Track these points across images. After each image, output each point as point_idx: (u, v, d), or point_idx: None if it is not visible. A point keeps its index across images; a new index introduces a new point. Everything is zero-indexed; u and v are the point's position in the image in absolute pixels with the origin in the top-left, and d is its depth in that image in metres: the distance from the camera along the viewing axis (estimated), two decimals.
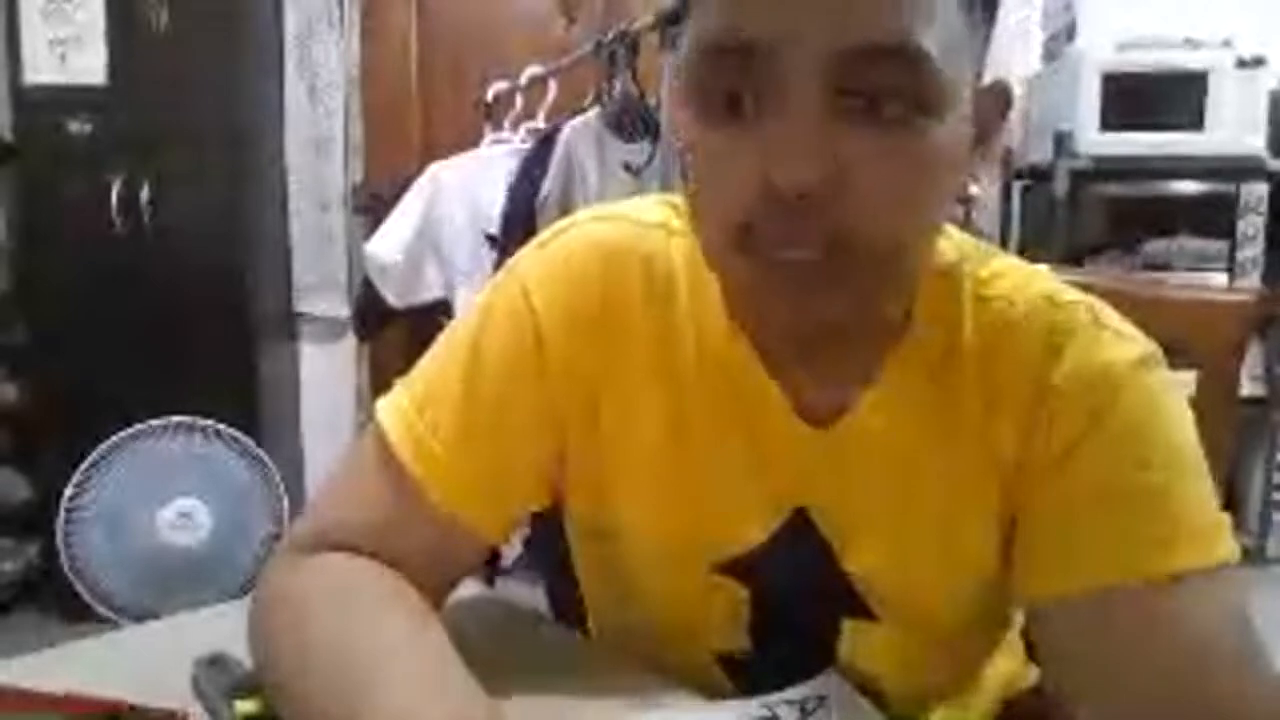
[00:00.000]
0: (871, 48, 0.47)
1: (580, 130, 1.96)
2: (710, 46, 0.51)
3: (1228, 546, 0.55)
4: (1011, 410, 0.59)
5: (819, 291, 0.51)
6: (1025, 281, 0.62)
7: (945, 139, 0.50)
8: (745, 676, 0.67)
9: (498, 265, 2.00)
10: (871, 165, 0.49)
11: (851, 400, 0.61)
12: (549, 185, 1.92)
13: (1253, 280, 2.60)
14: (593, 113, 1.99)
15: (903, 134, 0.49)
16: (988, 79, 0.56)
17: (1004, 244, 2.82)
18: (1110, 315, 0.60)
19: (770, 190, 0.49)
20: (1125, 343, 0.59)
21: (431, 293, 2.25)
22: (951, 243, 0.62)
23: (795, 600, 0.65)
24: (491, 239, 2.13)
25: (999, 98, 0.56)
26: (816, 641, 0.66)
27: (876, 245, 0.51)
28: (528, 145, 2.15)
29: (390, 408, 0.64)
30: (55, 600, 2.44)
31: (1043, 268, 0.66)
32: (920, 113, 0.49)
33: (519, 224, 1.94)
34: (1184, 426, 0.58)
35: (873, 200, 0.49)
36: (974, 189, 2.41)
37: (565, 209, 1.88)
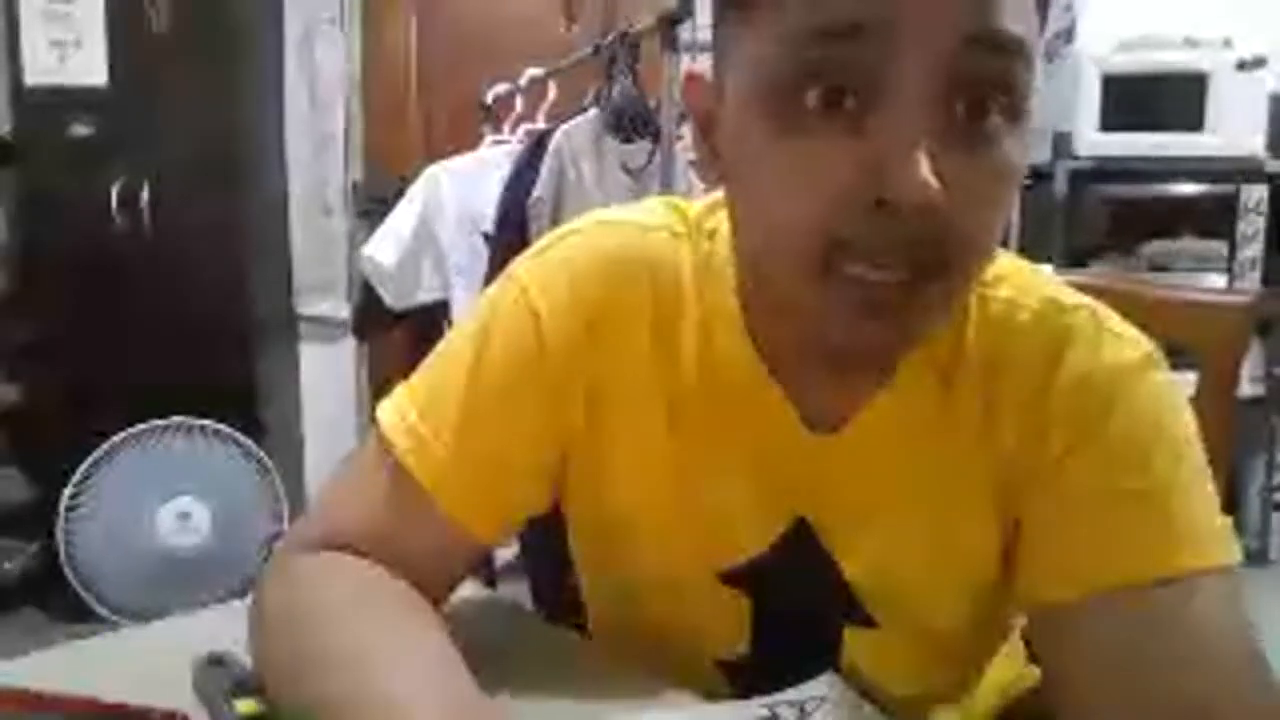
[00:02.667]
0: (987, 37, 0.46)
1: (575, 132, 1.96)
2: (810, 32, 0.46)
3: (1230, 549, 0.55)
4: (1013, 413, 0.59)
5: (901, 314, 0.49)
6: (1029, 284, 0.61)
7: (1021, 149, 0.49)
8: (745, 680, 0.67)
9: (491, 266, 2.01)
10: (976, 180, 0.47)
11: (856, 406, 0.60)
12: (540, 187, 1.92)
13: (1253, 281, 2.61)
14: (589, 114, 1.99)
15: (995, 148, 0.47)
16: None
17: (1004, 245, 2.80)
18: (1112, 318, 0.60)
19: (874, 201, 0.46)
20: (1127, 345, 0.58)
21: (429, 294, 2.25)
22: None
23: (796, 608, 0.65)
24: (489, 240, 2.14)
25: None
26: (818, 648, 0.66)
27: (963, 263, 0.49)
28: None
29: (392, 410, 0.64)
30: (55, 600, 2.44)
31: (1046, 268, 0.66)
32: (1011, 118, 0.47)
33: (511, 226, 1.94)
34: (1186, 429, 0.57)
35: (972, 213, 0.48)
36: None
37: (557, 211, 1.88)
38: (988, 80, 0.47)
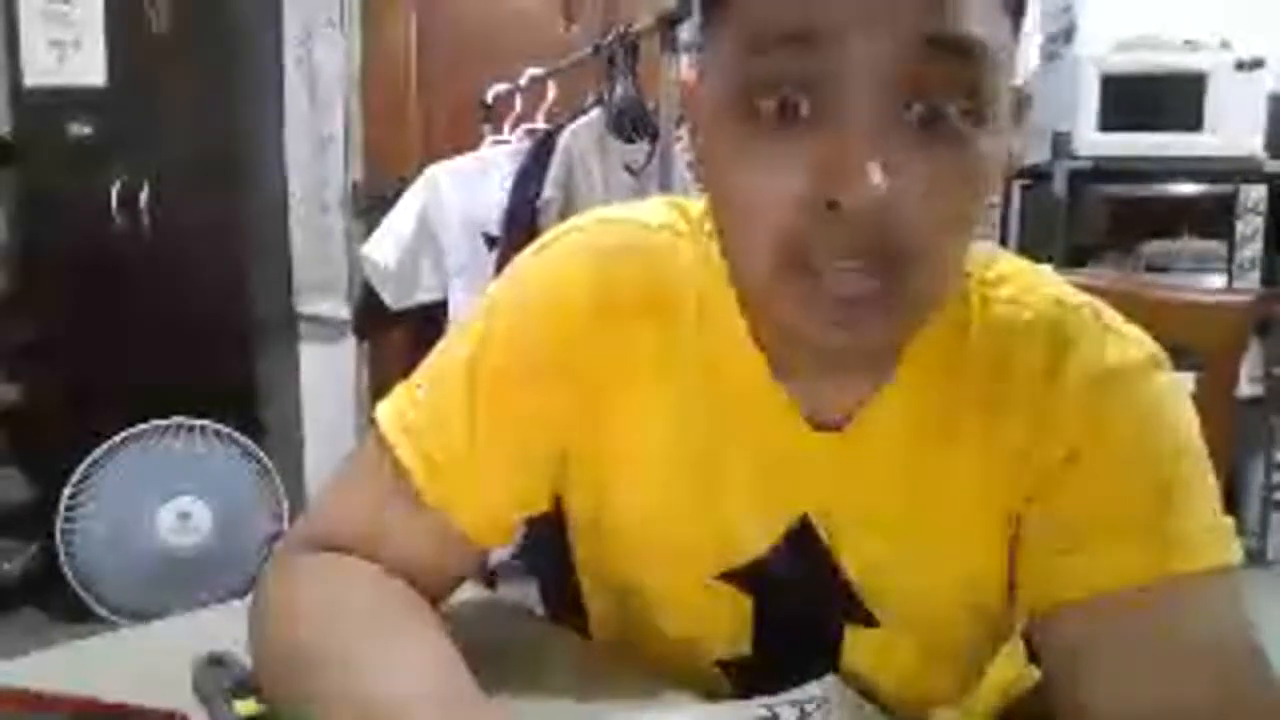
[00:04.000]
0: (941, 39, 0.46)
1: (581, 131, 1.96)
2: (766, 37, 0.47)
3: (1232, 550, 0.55)
4: (1016, 414, 0.59)
5: (867, 317, 0.50)
6: (1031, 283, 0.61)
7: (993, 148, 0.49)
8: (746, 680, 0.67)
9: (498, 267, 2.01)
10: (928, 182, 0.47)
11: (859, 405, 0.60)
12: (550, 187, 1.92)
13: (1252, 281, 2.61)
14: (594, 114, 1.99)
15: (958, 148, 0.47)
16: None
17: (1003, 245, 2.81)
18: (1115, 318, 0.60)
19: (824, 204, 0.47)
20: (1131, 345, 0.58)
21: (429, 294, 2.25)
22: None
23: (797, 607, 0.65)
24: (490, 240, 2.13)
25: (1018, 99, 0.55)
26: (818, 648, 0.66)
27: (930, 265, 0.49)
28: (525, 147, 2.15)
29: (391, 410, 0.64)
30: (55, 600, 2.44)
31: (1046, 268, 0.66)
32: (975, 121, 0.47)
33: (520, 226, 1.94)
34: (1189, 430, 0.57)
35: (927, 214, 0.48)
36: None
37: (567, 211, 1.88)
38: (944, 83, 0.47)
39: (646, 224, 0.65)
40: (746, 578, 0.65)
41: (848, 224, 0.47)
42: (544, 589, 1.10)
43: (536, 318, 0.63)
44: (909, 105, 0.47)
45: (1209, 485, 0.56)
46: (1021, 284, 0.61)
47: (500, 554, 2.09)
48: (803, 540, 0.63)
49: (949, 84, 0.47)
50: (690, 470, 0.63)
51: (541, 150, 2.00)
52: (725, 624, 0.67)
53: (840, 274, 0.48)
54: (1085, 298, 0.61)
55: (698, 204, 0.66)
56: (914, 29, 0.45)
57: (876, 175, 0.46)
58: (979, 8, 0.46)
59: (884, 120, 0.46)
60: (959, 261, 0.53)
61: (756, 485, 0.63)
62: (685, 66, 1.71)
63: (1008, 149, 0.52)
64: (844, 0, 0.46)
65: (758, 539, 0.64)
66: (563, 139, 1.96)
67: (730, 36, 0.50)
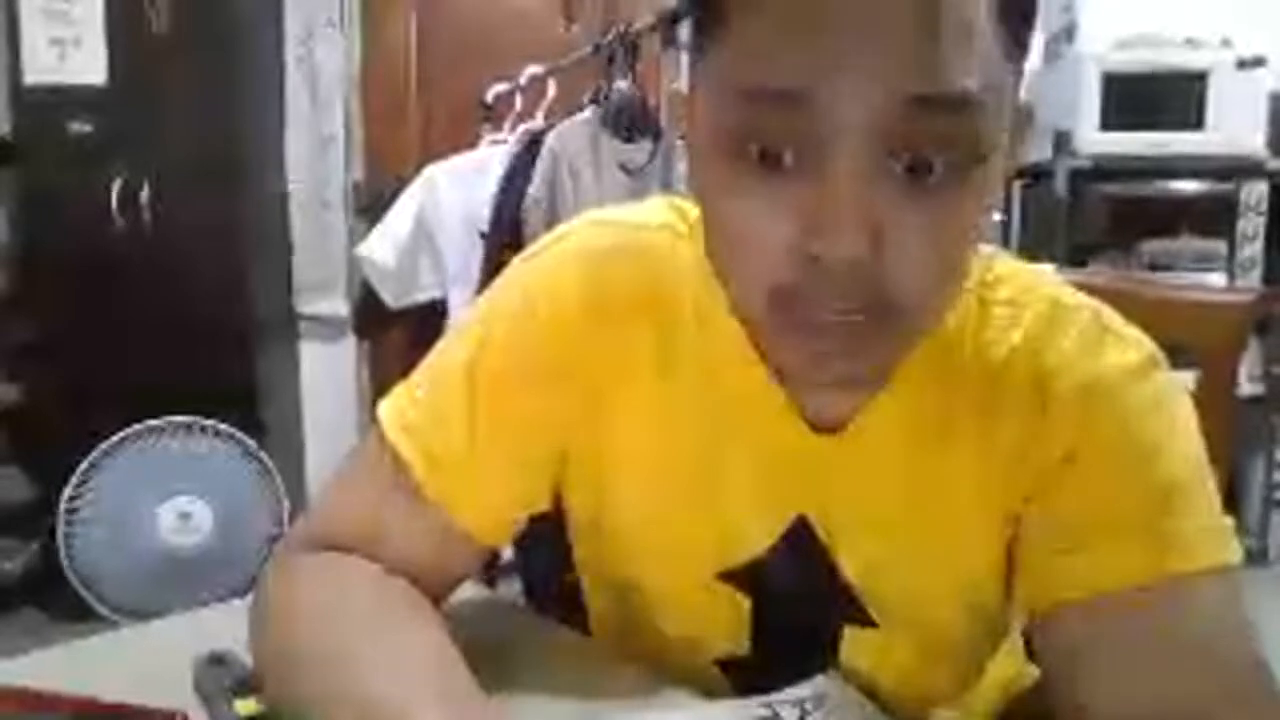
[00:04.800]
0: (928, 98, 0.45)
1: (568, 133, 1.96)
2: (747, 91, 0.47)
3: (1231, 550, 0.55)
4: (1013, 415, 0.59)
5: (858, 352, 0.50)
6: (1029, 285, 0.61)
7: (982, 191, 0.49)
8: (745, 680, 0.67)
9: (484, 266, 2.01)
10: (912, 232, 0.47)
11: (857, 407, 0.60)
12: (535, 187, 1.92)
13: (1252, 280, 2.61)
14: (586, 113, 1.99)
15: (944, 197, 0.47)
16: None
17: (1004, 244, 2.82)
18: (1114, 319, 0.60)
19: (810, 257, 0.47)
20: (1127, 347, 0.58)
21: (427, 293, 2.26)
22: None
23: (795, 607, 0.65)
24: (486, 238, 2.14)
25: (1024, 115, 0.54)
26: (817, 647, 0.66)
27: (919, 309, 0.50)
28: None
29: (391, 409, 0.64)
30: (55, 600, 2.44)
31: (1047, 268, 0.66)
32: (962, 173, 0.47)
33: (505, 227, 1.94)
34: (1187, 430, 0.57)
35: (915, 266, 0.47)
36: None
37: (552, 211, 1.88)
38: (930, 138, 0.46)
39: (644, 225, 0.65)
40: (745, 577, 0.65)
41: (831, 276, 0.47)
42: (529, 584, 1.10)
43: (534, 321, 0.63)
44: (893, 161, 0.46)
45: (1208, 485, 0.56)
46: (1019, 285, 0.61)
47: (507, 554, 2.10)
48: (801, 541, 0.63)
49: (936, 139, 0.46)
50: (689, 470, 0.64)
51: (529, 151, 2.00)
52: (724, 623, 0.67)
53: (820, 320, 0.49)
54: (1084, 299, 0.61)
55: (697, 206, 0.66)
56: (900, 89, 0.44)
57: (858, 232, 0.45)
58: (971, 60, 0.45)
59: (868, 174, 0.46)
60: (947, 304, 0.53)
61: (755, 486, 0.63)
62: (684, 74, 1.71)
63: (1002, 174, 0.51)
64: (829, 60, 0.45)
65: (756, 539, 0.64)
66: (547, 141, 1.95)
67: (721, 70, 0.49)
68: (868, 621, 0.64)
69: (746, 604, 0.66)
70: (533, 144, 2.01)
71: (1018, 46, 0.49)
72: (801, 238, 0.47)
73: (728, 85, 0.48)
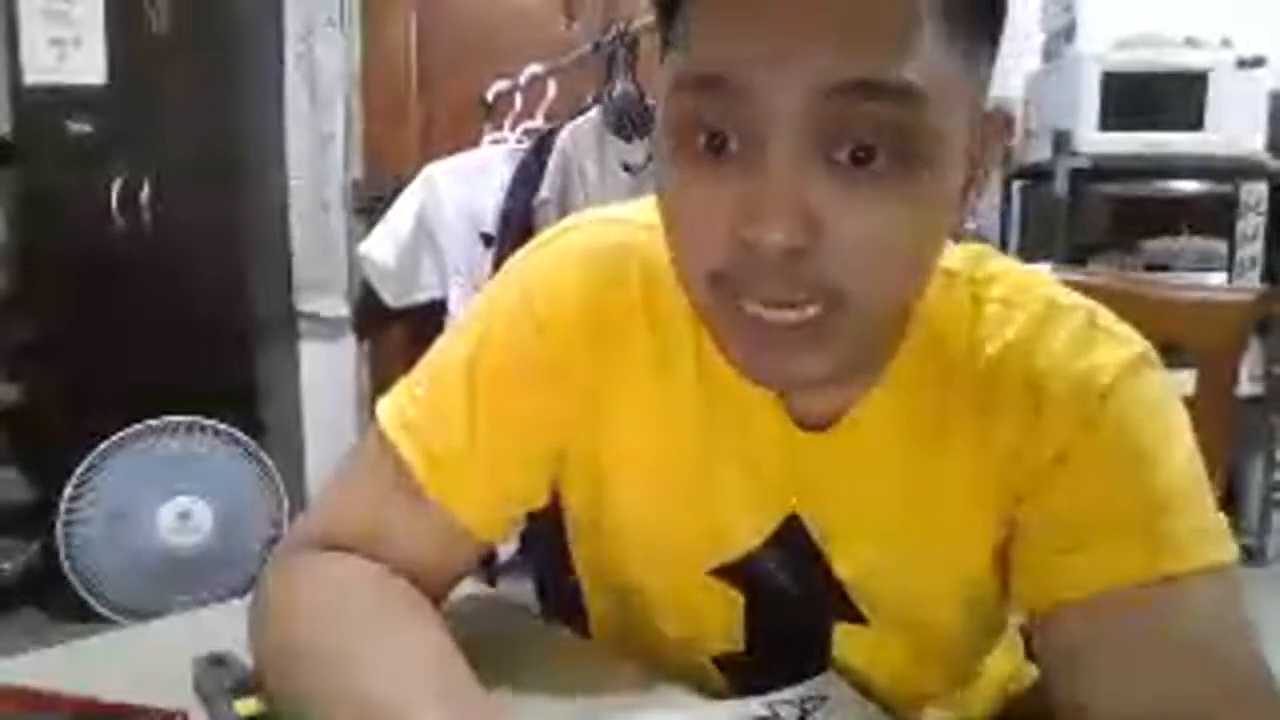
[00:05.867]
0: (862, 84, 0.45)
1: (580, 131, 1.97)
2: (689, 80, 0.48)
3: (1225, 548, 0.55)
4: (1006, 415, 0.58)
5: (805, 351, 0.50)
6: (1022, 284, 0.61)
7: (933, 188, 0.48)
8: (741, 677, 0.67)
9: (495, 265, 2.01)
10: (854, 221, 0.46)
11: (848, 405, 0.60)
12: (547, 186, 1.92)
13: (1252, 280, 2.61)
14: (593, 112, 1.99)
15: (888, 187, 0.46)
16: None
17: (1004, 244, 2.82)
18: (1107, 318, 0.60)
19: (745, 243, 0.47)
20: (1119, 345, 0.58)
21: (427, 293, 2.26)
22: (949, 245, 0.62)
23: (789, 604, 0.65)
24: (487, 239, 2.14)
25: (999, 123, 0.54)
26: (810, 645, 0.66)
27: (867, 302, 0.49)
28: (524, 146, 2.15)
29: (390, 408, 0.64)
30: (55, 600, 2.44)
31: (1044, 268, 0.66)
32: (907, 164, 0.46)
33: (517, 224, 1.95)
34: (1179, 428, 0.57)
35: (858, 257, 0.47)
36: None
37: (564, 209, 1.89)
38: (867, 126, 0.46)
39: (641, 223, 0.65)
40: (738, 574, 0.65)
41: (767, 262, 0.47)
42: (541, 588, 1.10)
43: (533, 319, 0.63)
44: (834, 148, 0.46)
45: (1202, 484, 0.56)
46: (1013, 283, 0.61)
47: (506, 553, 2.10)
48: (792, 539, 0.63)
49: (874, 127, 0.46)
50: (683, 469, 0.64)
51: (540, 150, 2.01)
52: (719, 621, 0.67)
53: (762, 309, 0.49)
54: (1078, 298, 0.61)
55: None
56: (827, 74, 0.45)
57: (790, 219, 0.45)
58: (908, 50, 0.45)
59: (804, 162, 0.46)
60: (910, 294, 0.53)
61: (746, 484, 0.63)
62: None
63: (960, 184, 0.51)
64: (764, 49, 0.45)
65: (748, 536, 0.64)
66: (560, 139, 1.96)
67: (674, 60, 0.50)
68: (859, 619, 0.64)
69: (740, 601, 0.66)
70: (543, 143, 2.02)
71: (976, 45, 0.49)
72: (737, 223, 0.47)
73: (679, 75, 0.49)
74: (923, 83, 0.45)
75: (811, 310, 0.48)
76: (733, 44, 0.46)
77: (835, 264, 0.47)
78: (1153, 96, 2.52)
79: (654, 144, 0.56)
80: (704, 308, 0.53)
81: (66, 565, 2.34)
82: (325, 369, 3.09)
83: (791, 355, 0.50)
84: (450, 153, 2.33)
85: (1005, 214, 2.90)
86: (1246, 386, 2.49)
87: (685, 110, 0.48)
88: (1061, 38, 2.75)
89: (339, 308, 3.01)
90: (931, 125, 0.46)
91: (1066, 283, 0.63)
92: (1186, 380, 0.81)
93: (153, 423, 2.39)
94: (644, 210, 0.67)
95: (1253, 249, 2.63)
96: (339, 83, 2.97)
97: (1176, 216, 2.71)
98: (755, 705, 0.60)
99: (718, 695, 0.65)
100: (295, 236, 2.99)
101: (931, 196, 0.48)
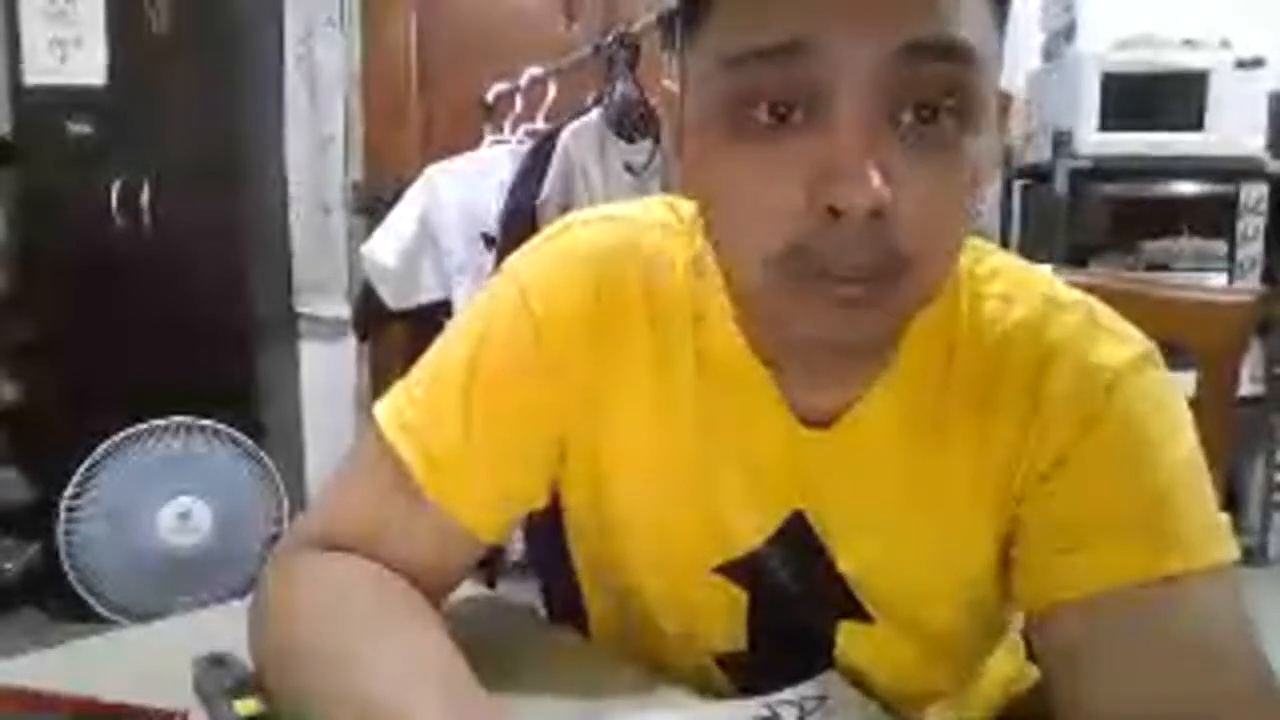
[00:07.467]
0: (926, 44, 0.46)
1: (581, 131, 1.96)
2: (741, 56, 0.47)
3: (1227, 548, 0.55)
4: (1007, 412, 0.59)
5: (865, 313, 0.50)
6: (1023, 281, 0.61)
7: (982, 153, 0.49)
8: (743, 676, 0.67)
9: (496, 266, 2.01)
10: (920, 184, 0.47)
11: (850, 402, 0.60)
12: (549, 187, 1.92)
13: (1253, 280, 2.61)
14: (594, 113, 1.99)
15: (951, 151, 0.48)
16: None
17: (1004, 244, 2.82)
18: (1107, 316, 0.60)
19: (825, 210, 0.47)
20: (1121, 343, 0.58)
21: (429, 294, 2.25)
22: None
23: (792, 602, 0.65)
24: (488, 240, 2.14)
25: (1003, 101, 0.55)
26: (814, 643, 0.66)
27: (927, 266, 0.50)
28: (525, 147, 2.15)
29: (389, 408, 0.64)
30: (55, 600, 2.44)
31: (1045, 268, 0.65)
32: (965, 122, 0.47)
33: (519, 225, 1.94)
34: (1182, 427, 0.57)
35: (924, 221, 0.48)
36: None
37: (566, 210, 1.88)
38: (932, 86, 0.47)
39: (640, 222, 0.65)
40: (741, 571, 0.65)
41: (848, 229, 0.47)
42: (546, 589, 1.10)
43: (531, 318, 0.63)
44: (899, 109, 0.47)
45: (1204, 483, 0.56)
46: (1012, 280, 0.61)
47: (513, 554, 2.10)
48: (796, 536, 0.63)
49: (936, 86, 0.47)
50: (685, 466, 0.64)
51: (541, 151, 2.01)
52: (722, 618, 0.67)
53: (837, 279, 0.48)
54: (1078, 295, 0.61)
55: (691, 203, 0.66)
56: (898, 34, 0.46)
57: (875, 179, 0.46)
58: (964, 13, 0.47)
59: (876, 125, 0.46)
60: (953, 258, 0.54)
61: (749, 481, 0.63)
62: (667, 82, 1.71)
63: (996, 150, 0.52)
64: (828, 10, 0.46)
65: (751, 534, 0.64)
66: (562, 139, 1.96)
67: (714, 46, 0.49)
68: (864, 617, 0.64)
69: (743, 599, 0.66)
70: (544, 144, 2.01)
71: (1001, 18, 0.51)
72: (817, 190, 0.47)
73: (721, 58, 0.49)
74: (976, 45, 0.47)
75: (867, 274, 0.48)
76: (793, 8, 0.46)
77: (902, 228, 0.47)
78: (1153, 97, 2.53)
79: (676, 138, 0.56)
80: (766, 287, 0.51)
81: (66, 565, 2.34)
82: (325, 369, 3.10)
83: (853, 318, 0.50)
84: (450, 154, 2.33)
85: (1005, 214, 2.90)
86: (1247, 387, 2.49)
87: (744, 84, 0.48)
88: (1061, 38, 2.75)
89: (339, 308, 3.01)
90: (982, 89, 0.48)
91: (1066, 283, 0.63)
92: (1187, 381, 0.81)
93: (153, 423, 2.39)
94: (640, 209, 0.67)
95: (1253, 250, 2.63)
96: (339, 83, 2.97)
97: (1176, 217, 2.71)
98: (755, 705, 0.60)
99: (720, 695, 0.65)
100: (295, 237, 2.99)
101: (978, 163, 0.49)
